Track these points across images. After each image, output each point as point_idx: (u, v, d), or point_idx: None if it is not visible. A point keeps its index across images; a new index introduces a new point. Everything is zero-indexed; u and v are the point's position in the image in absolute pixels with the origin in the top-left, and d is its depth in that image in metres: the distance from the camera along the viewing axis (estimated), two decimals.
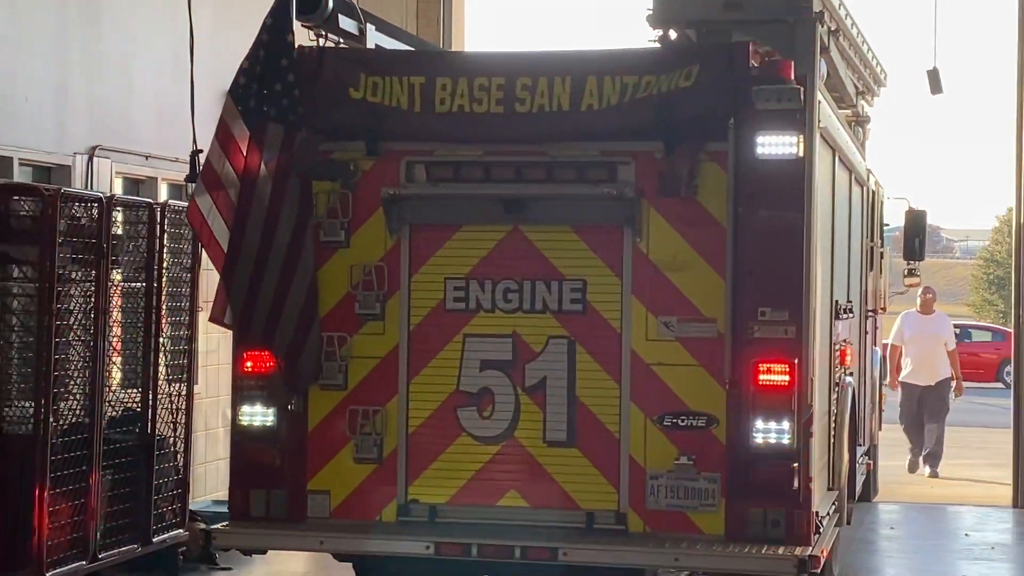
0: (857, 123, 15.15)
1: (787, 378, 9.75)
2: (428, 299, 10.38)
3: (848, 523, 12.85)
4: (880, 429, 18.66)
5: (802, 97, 9.73)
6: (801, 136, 9.76)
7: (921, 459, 21.22)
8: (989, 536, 16.77)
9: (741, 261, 9.84)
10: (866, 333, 15.98)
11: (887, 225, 18.59)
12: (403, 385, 10.38)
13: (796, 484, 9.79)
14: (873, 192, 16.08)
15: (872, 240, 16.29)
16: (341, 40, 10.99)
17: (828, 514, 10.98)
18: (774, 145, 9.79)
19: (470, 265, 10.32)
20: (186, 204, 10.88)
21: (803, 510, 9.84)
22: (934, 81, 18.81)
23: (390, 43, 11.75)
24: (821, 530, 10.26)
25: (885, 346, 20.65)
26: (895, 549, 16.40)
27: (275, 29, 10.27)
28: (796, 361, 9.75)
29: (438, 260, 10.37)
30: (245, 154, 10.21)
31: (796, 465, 9.80)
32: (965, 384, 22.52)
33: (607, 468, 10.12)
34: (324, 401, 10.43)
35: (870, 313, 16.39)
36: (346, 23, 11.08)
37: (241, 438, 10.51)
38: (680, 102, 9.89)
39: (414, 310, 10.39)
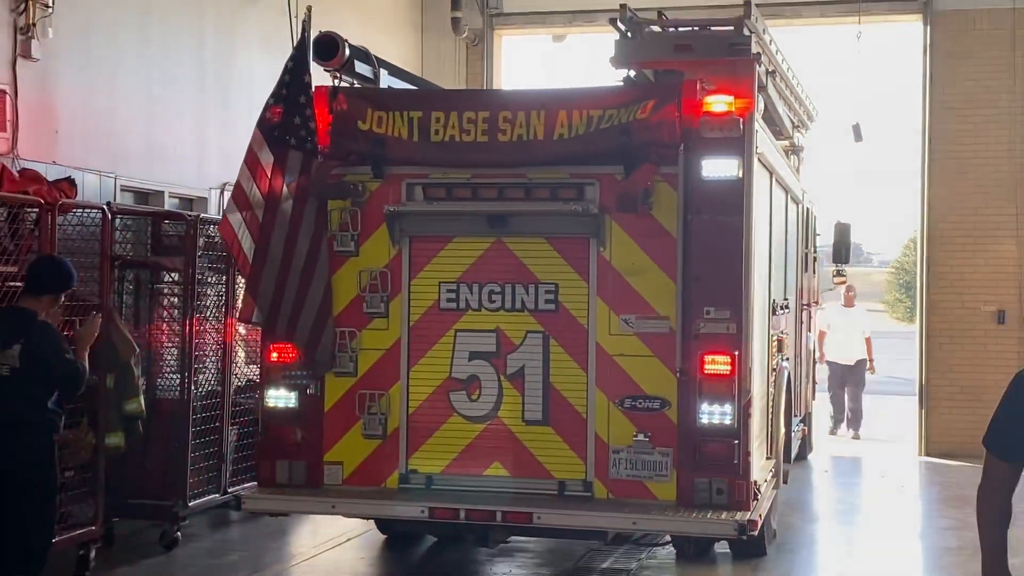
0: (793, 151, 14.06)
1: (729, 368, 8.82)
2: (425, 300, 9.45)
3: (785, 483, 11.84)
4: (814, 399, 17.62)
5: (742, 127, 8.73)
6: (740, 160, 8.81)
7: (845, 424, 20.26)
8: (900, 478, 16.38)
9: (689, 267, 8.90)
10: (802, 323, 14.95)
11: (818, 235, 17.51)
12: (404, 373, 9.45)
13: (737, 458, 8.87)
14: (807, 209, 15.01)
15: (807, 248, 15.23)
16: (355, 82, 10.02)
17: (766, 480, 10.00)
18: (717, 168, 8.86)
19: (460, 271, 9.40)
20: None
21: (743, 480, 8.90)
22: (857, 133, 18.15)
23: (400, 85, 10.80)
24: (759, 496, 9.30)
25: (822, 333, 19.83)
26: (826, 486, 15.90)
27: (295, 71, 9.42)
28: (737, 353, 8.82)
29: (433, 267, 9.44)
30: (270, 177, 9.31)
31: (737, 442, 8.86)
32: None
33: (576, 443, 9.19)
34: (337, 386, 9.51)
35: (805, 306, 15.36)
36: (362, 68, 10.17)
37: (268, 417, 9.60)
38: (637, 131, 8.98)
39: (413, 309, 9.46)
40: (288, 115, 9.31)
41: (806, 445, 16.91)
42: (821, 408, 19.28)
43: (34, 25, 10.81)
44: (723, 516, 8.69)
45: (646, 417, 9.03)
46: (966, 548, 11.28)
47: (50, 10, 10.99)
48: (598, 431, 9.11)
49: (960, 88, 17.52)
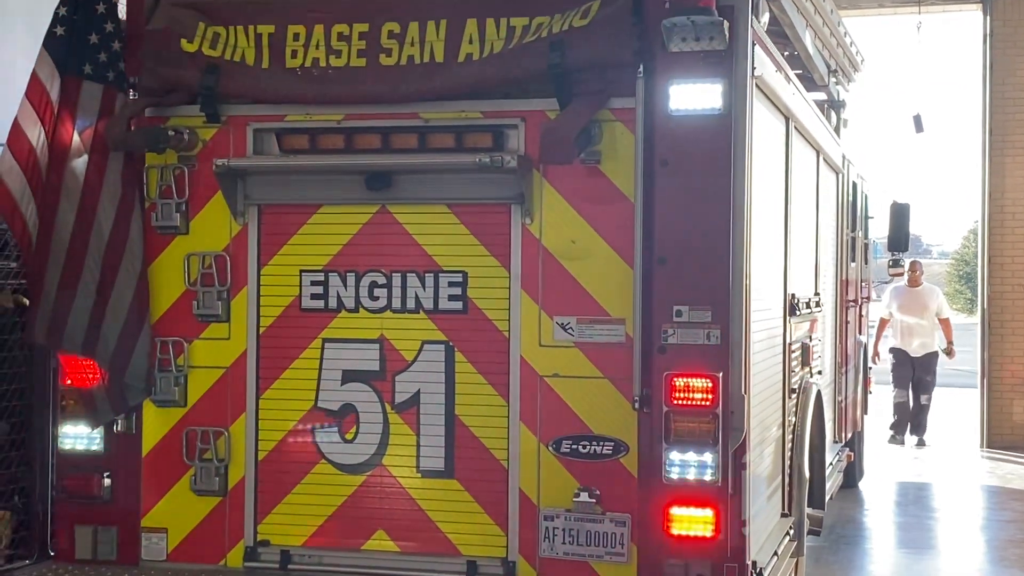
0: (831, 106, 11.04)
1: (709, 397, 5.92)
2: (280, 296, 6.73)
3: (818, 535, 9.01)
4: (866, 413, 14.71)
5: (727, 34, 5.80)
6: (727, 84, 5.90)
7: (909, 432, 17.87)
8: (963, 470, 16.07)
9: (653, 246, 6.01)
10: (847, 323, 11.99)
11: (871, 217, 14.55)
12: (252, 401, 6.74)
13: (724, 530, 5.94)
14: (854, 184, 12.01)
15: (853, 231, 12.23)
16: None
17: (777, 553, 7.06)
18: (692, 97, 5.98)
19: (329, 254, 6.66)
20: None
21: (734, 562, 6.02)
22: (917, 123, 17.46)
23: None
24: None
25: (883, 321, 17.91)
26: (884, 479, 15.19)
27: None
28: (721, 375, 5.91)
29: (292, 249, 6.72)
30: (55, 121, 6.54)
31: (723, 507, 5.91)
32: None
33: (493, 505, 6.44)
34: (159, 421, 6.83)
35: (851, 303, 12.36)
36: None
37: (63, 464, 6.90)
38: (576, 46, 6.17)
39: (264, 310, 6.74)
40: (82, 32, 6.57)
41: (856, 471, 14.14)
42: (877, 416, 17.03)
43: None
44: None
45: (593, 467, 6.25)
46: None
47: None
48: (524, 487, 6.35)
49: (1020, 77, 17.62)
